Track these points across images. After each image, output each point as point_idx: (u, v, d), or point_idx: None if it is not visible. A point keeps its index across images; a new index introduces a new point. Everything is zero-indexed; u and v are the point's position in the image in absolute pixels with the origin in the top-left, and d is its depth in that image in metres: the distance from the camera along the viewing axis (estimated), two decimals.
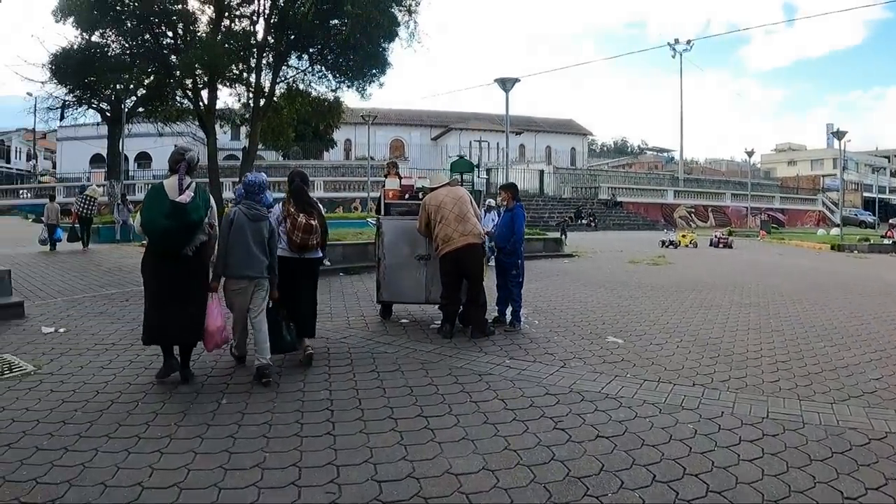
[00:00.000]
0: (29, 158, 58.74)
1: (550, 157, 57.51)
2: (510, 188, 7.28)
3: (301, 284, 5.38)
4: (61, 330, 7.03)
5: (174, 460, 3.52)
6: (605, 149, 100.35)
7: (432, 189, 6.55)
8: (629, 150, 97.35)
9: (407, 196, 7.45)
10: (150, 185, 5.71)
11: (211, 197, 4.84)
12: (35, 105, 32.27)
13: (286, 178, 5.56)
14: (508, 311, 7.10)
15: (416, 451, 3.63)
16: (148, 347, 5.26)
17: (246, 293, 4.88)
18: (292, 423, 4.11)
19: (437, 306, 6.80)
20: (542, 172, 47.00)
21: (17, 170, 57.32)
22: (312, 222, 5.20)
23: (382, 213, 7.35)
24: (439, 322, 6.72)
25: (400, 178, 7.92)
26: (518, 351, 6.01)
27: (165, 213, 4.40)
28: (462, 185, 8.26)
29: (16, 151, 60.89)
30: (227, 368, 5.37)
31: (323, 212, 5.52)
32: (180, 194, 4.46)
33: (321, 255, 5.57)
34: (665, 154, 71.93)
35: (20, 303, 8.04)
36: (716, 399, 4.70)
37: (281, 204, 5.30)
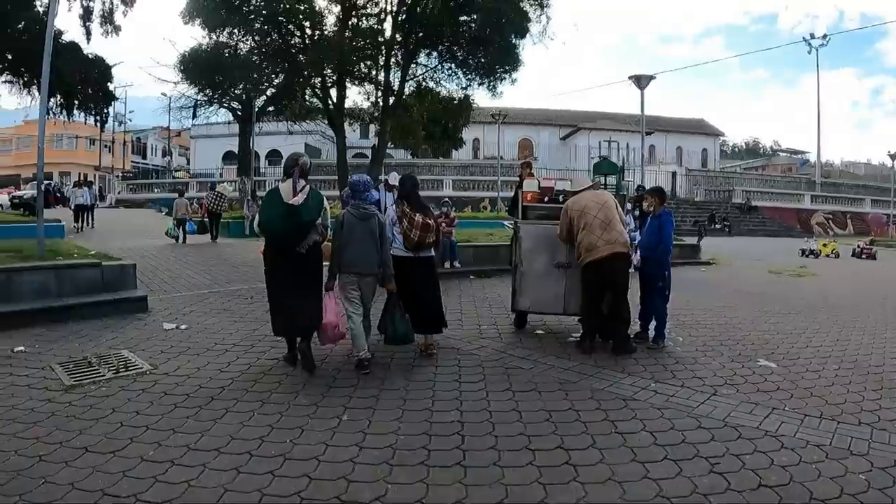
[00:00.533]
0: (164, 155, 73.36)
1: (681, 159, 66.44)
2: (657, 192, 8.12)
3: (419, 283, 6.73)
4: (182, 327, 8.15)
5: (286, 486, 3.86)
6: (736, 150, 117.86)
7: (574, 192, 7.43)
8: (761, 151, 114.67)
9: (546, 199, 8.37)
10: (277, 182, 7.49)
11: (325, 199, 6.18)
12: (169, 105, 39.62)
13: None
14: (651, 326, 7.78)
15: (557, 492, 3.90)
16: (268, 351, 6.89)
17: (356, 287, 6.30)
18: (418, 449, 4.44)
19: (575, 318, 7.83)
20: (674, 174, 53.93)
21: (153, 166, 73.60)
22: (429, 222, 6.73)
23: (520, 216, 8.38)
24: (577, 335, 7.61)
25: (537, 178, 8.85)
26: (663, 373, 6.53)
27: (281, 214, 5.83)
28: (606, 189, 8.90)
29: (152, 148, 78.65)
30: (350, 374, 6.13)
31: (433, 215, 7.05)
32: (294, 197, 5.84)
33: (434, 254, 7.06)
34: (800, 156, 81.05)
35: (144, 297, 9.50)
36: (886, 443, 4.87)
37: (395, 205, 6.90)
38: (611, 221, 7.01)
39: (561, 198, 8.07)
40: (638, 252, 8.38)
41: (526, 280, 8.01)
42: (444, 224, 13.56)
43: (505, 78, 21.59)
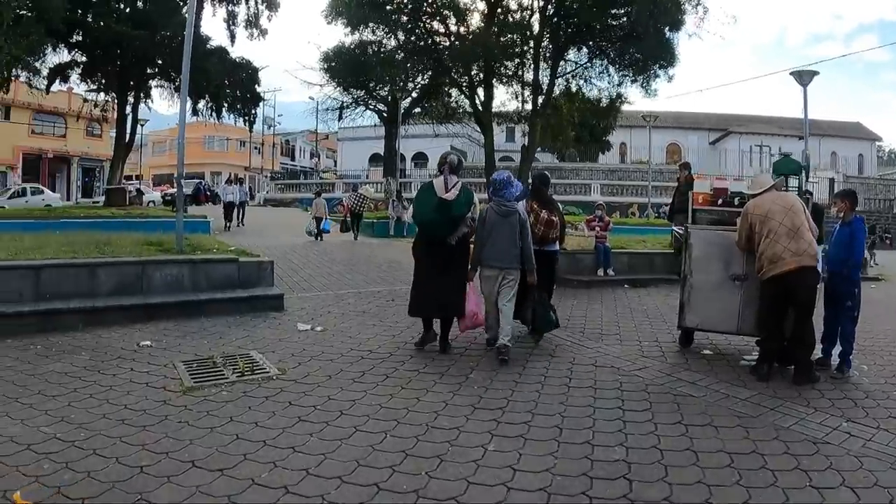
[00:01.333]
0: (312, 157, 79.88)
1: (836, 164, 65.25)
2: (848, 196, 7.46)
3: (541, 274, 7.26)
4: (318, 329, 7.90)
5: None
6: (893, 156, 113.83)
7: (754, 195, 6.95)
8: None
9: (720, 202, 7.90)
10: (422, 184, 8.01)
11: (474, 195, 6.92)
12: (317, 107, 43.98)
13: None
14: (836, 351, 7.14)
15: None
16: (406, 361, 6.53)
17: (495, 281, 6.84)
18: (577, 496, 3.79)
19: (750, 339, 7.36)
20: (831, 181, 51.31)
21: (300, 167, 79.62)
22: (553, 218, 7.81)
23: (689, 220, 7.98)
24: (750, 358, 7.13)
25: (708, 178, 8.61)
26: (854, 409, 5.78)
27: (433, 207, 6.63)
28: (788, 191, 8.39)
29: (300, 150, 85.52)
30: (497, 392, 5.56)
31: (562, 210, 7.88)
32: (446, 192, 6.63)
33: (557, 248, 8.20)
34: None
35: (280, 295, 9.39)
36: None
37: (525, 201, 7.46)
38: (798, 229, 6.46)
39: (736, 201, 7.66)
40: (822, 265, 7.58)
41: (696, 293, 7.49)
42: (597, 228, 12.93)
43: (659, 75, 21.64)
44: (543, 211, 7.74)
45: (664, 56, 20.95)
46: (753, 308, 6.97)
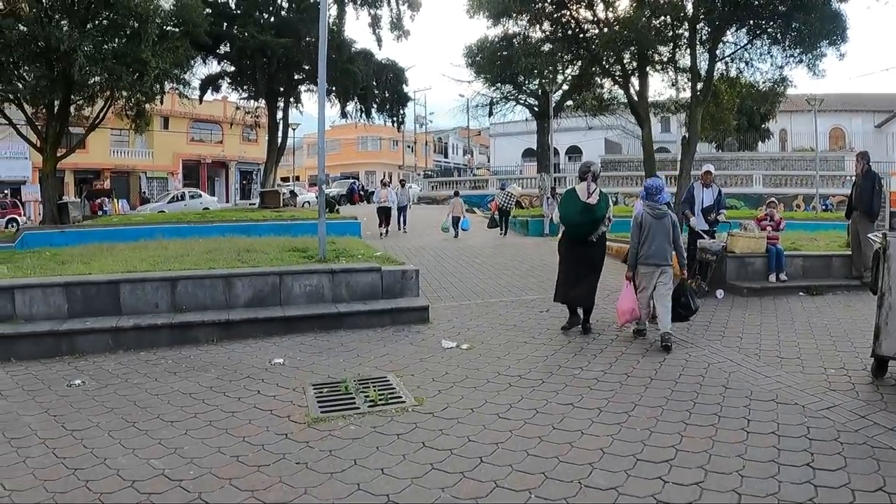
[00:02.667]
0: (464, 154, 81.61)
1: None
2: None
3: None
4: (463, 346, 7.34)
5: None
6: None
7: None
8: None
9: None
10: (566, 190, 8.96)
11: (609, 197, 8.12)
12: (467, 105, 46.02)
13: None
14: None
15: None
16: (560, 391, 5.80)
17: (652, 277, 7.56)
18: None
19: None
20: None
21: (454, 164, 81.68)
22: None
23: (888, 224, 7.43)
24: None
25: None
26: None
27: (579, 210, 7.84)
28: None
29: (453, 147, 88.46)
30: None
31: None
32: (588, 197, 7.79)
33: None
34: None
35: (425, 307, 8.93)
36: None
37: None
38: None
39: None
40: None
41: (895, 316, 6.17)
42: (769, 229, 11.50)
43: (826, 54, 19.64)
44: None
45: (833, 31, 19.04)
46: None
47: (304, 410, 5.23)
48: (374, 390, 5.60)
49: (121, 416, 5.23)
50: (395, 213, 23.36)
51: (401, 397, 5.53)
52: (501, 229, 23.35)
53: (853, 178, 11.98)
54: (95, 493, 3.92)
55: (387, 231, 22.39)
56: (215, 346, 7.41)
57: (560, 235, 8.47)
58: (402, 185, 28.50)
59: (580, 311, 8.16)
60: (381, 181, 27.77)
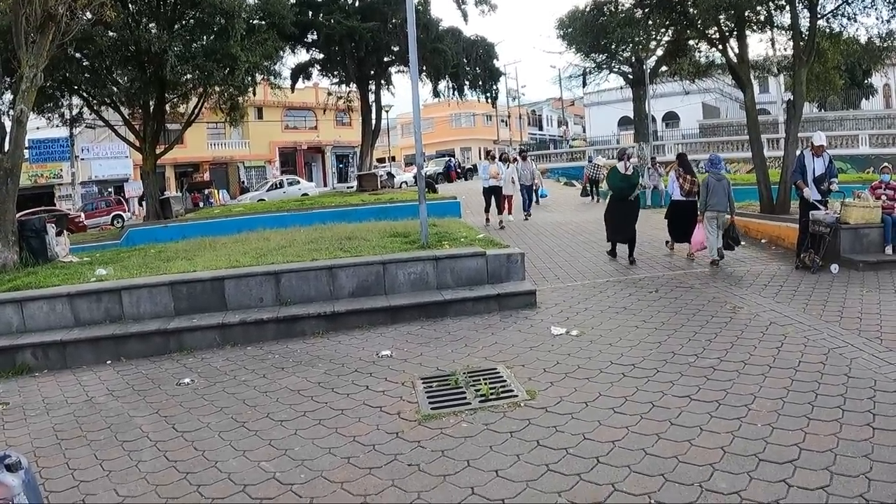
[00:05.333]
0: (559, 125, 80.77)
1: None
2: None
3: (689, 216, 11.81)
4: (573, 333, 7.15)
5: None
6: None
7: None
8: None
9: None
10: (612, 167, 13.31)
11: (640, 171, 13.37)
12: (559, 75, 47.31)
13: None
14: None
15: None
16: (674, 384, 5.50)
17: (715, 219, 10.92)
18: None
19: None
20: None
21: (549, 136, 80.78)
22: (695, 180, 12.09)
23: None
24: None
25: None
26: None
27: (620, 179, 12.00)
28: None
29: (548, 119, 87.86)
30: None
31: (696, 174, 12.48)
32: (626, 171, 11.97)
33: (696, 199, 11.70)
34: None
35: (532, 291, 8.78)
36: None
37: (675, 171, 12.71)
38: None
39: None
40: None
41: None
42: (884, 197, 10.69)
43: None
44: (687, 176, 12.23)
45: None
46: None
47: (415, 406, 5.19)
48: (485, 383, 5.50)
49: (230, 415, 5.34)
50: (515, 196, 19.39)
51: (512, 391, 5.40)
52: (593, 197, 24.96)
53: None
54: (207, 498, 4.00)
55: (501, 220, 17.66)
56: (321, 339, 7.50)
57: (608, 199, 12.44)
58: (525, 159, 21.98)
59: (623, 249, 11.88)
60: (489, 154, 20.16)
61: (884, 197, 10.87)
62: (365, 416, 5.08)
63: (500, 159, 19.71)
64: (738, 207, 13.77)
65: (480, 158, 69.50)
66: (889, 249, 10.54)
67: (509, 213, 18.66)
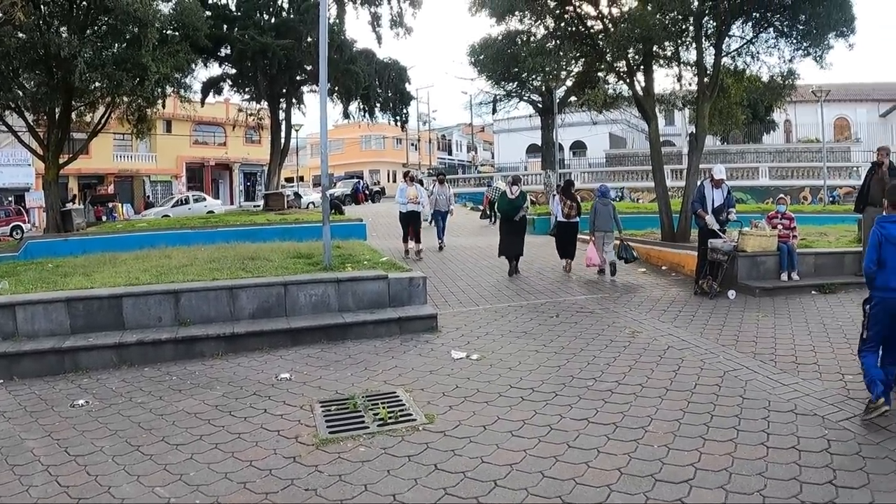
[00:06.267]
0: (468, 150, 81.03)
1: None
2: None
3: (568, 236, 13.71)
4: (473, 357, 7.22)
5: None
6: None
7: None
8: None
9: None
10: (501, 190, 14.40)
11: (527, 195, 14.90)
12: (470, 102, 47.59)
13: None
14: None
15: None
16: (572, 407, 5.62)
17: (602, 238, 12.70)
18: None
19: None
20: None
21: (458, 161, 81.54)
22: (573, 205, 13.83)
23: None
24: None
25: None
26: None
27: (507, 202, 13.64)
28: None
29: (457, 144, 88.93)
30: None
31: (578, 199, 14.35)
32: (512, 195, 13.55)
33: (577, 220, 13.77)
34: None
35: (433, 315, 8.83)
36: None
37: (559, 196, 15.02)
38: None
39: None
40: None
41: None
42: (780, 227, 11.39)
43: (833, 46, 19.22)
44: (567, 201, 13.85)
45: (842, 22, 18.66)
46: None
47: (313, 431, 5.13)
48: (384, 408, 5.49)
49: (125, 438, 5.14)
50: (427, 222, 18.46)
51: (411, 415, 5.42)
52: (492, 220, 25.88)
53: (867, 169, 11.68)
54: None
55: (419, 250, 15.98)
56: (221, 361, 7.32)
57: (499, 220, 14.62)
58: (442, 182, 18.97)
59: (514, 263, 13.24)
60: (408, 175, 17.92)
61: (780, 226, 11.51)
62: (262, 440, 4.99)
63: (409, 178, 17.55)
64: (640, 235, 16.86)
65: (390, 181, 69.74)
66: (785, 276, 11.14)
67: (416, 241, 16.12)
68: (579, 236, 14.10)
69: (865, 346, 5.42)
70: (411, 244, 16.00)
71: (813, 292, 10.75)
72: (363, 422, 5.28)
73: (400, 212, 16.09)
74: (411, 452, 4.66)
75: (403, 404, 5.68)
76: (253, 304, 8.32)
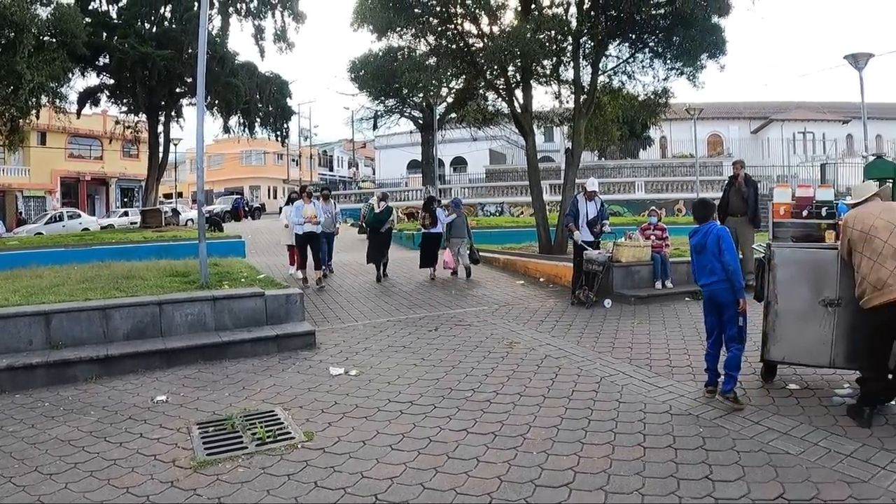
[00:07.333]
0: (350, 166, 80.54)
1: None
2: None
3: (432, 244, 15.06)
4: (352, 372, 7.27)
5: None
6: None
7: (855, 204, 6.16)
8: None
9: (805, 213, 7.08)
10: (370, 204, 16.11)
11: (393, 210, 16.66)
12: (351, 117, 47.27)
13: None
14: None
15: None
16: (451, 419, 5.72)
17: (458, 245, 14.75)
18: None
19: (847, 372, 6.60)
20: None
21: (339, 177, 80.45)
22: (426, 214, 15.36)
23: (770, 235, 7.27)
24: (844, 393, 6.35)
25: (790, 187, 7.58)
26: None
27: (374, 214, 15.17)
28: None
29: (338, 160, 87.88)
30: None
31: (436, 213, 15.24)
32: (379, 209, 15.15)
33: (439, 230, 14.99)
34: None
35: (311, 332, 8.79)
36: None
37: (422, 209, 16.48)
38: None
39: (824, 212, 6.90)
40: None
41: (781, 322, 6.62)
42: (653, 238, 12.11)
43: (706, 66, 20.47)
44: (426, 214, 15.20)
45: (713, 44, 19.73)
46: (849, 337, 6.17)
47: (190, 453, 5.03)
48: (262, 427, 5.45)
49: None
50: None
51: (290, 433, 5.41)
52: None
53: (728, 182, 12.45)
54: None
55: (321, 276, 14.20)
56: (95, 385, 7.01)
57: (368, 230, 15.49)
58: (327, 199, 15.70)
59: (381, 270, 14.76)
60: (305, 190, 14.65)
61: (653, 237, 12.13)
62: (139, 466, 4.84)
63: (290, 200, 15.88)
64: (518, 248, 18.70)
65: (271, 197, 68.18)
66: (659, 284, 11.74)
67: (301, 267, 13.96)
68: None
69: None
70: (310, 271, 13.92)
71: (686, 299, 11.37)
72: (241, 442, 5.23)
73: (296, 234, 13.64)
74: (291, 471, 4.66)
75: (282, 423, 5.66)
76: (127, 325, 8.02)
